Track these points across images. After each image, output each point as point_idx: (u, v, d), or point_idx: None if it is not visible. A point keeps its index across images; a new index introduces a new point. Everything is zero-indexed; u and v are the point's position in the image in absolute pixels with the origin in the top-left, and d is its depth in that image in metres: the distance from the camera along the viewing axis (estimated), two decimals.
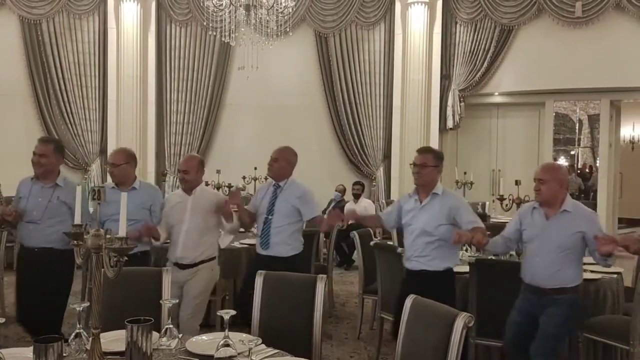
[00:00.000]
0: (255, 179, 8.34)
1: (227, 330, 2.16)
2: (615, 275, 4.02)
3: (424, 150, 3.68)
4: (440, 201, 3.50)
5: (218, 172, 7.70)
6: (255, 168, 8.30)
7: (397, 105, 9.34)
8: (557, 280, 3.19)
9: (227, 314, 2.15)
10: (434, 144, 9.28)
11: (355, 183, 8.65)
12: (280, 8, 6.79)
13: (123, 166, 3.79)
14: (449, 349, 2.20)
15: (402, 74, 9.24)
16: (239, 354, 2.20)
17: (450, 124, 9.22)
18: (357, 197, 8.33)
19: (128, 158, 3.85)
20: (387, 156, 9.54)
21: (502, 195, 5.39)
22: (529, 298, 3.30)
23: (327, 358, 4.36)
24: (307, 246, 5.05)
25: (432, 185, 3.52)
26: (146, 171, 9.38)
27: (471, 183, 8.19)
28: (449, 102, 9.20)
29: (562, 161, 17.93)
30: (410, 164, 3.68)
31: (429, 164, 3.51)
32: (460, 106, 9.16)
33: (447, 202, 3.49)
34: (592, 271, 4.07)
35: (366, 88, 9.43)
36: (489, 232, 3.47)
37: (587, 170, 15.69)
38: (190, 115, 9.57)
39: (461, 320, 2.21)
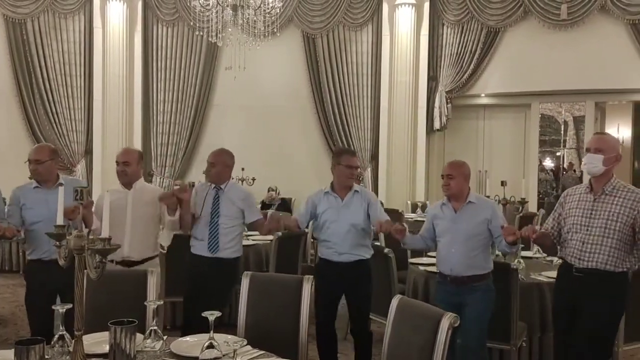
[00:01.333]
0: (242, 180, 8.32)
1: (212, 331, 2.15)
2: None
3: (354, 153, 4.07)
4: (359, 196, 3.73)
5: (204, 172, 7.64)
6: (243, 169, 8.28)
7: (384, 106, 9.36)
8: (474, 267, 3.38)
9: (212, 315, 2.14)
10: (421, 144, 9.33)
11: None
12: (268, 8, 6.78)
13: (47, 163, 3.56)
14: (434, 349, 2.20)
15: (389, 75, 9.26)
16: (223, 355, 2.19)
17: (437, 125, 9.25)
18: None
19: (52, 154, 3.63)
20: (374, 157, 9.55)
21: (488, 196, 5.41)
22: (448, 290, 3.44)
23: (314, 358, 4.35)
24: (293, 247, 5.09)
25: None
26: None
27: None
28: (436, 104, 9.23)
29: (548, 162, 18.10)
30: (351, 166, 3.80)
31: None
32: (447, 107, 9.20)
33: (364, 197, 3.74)
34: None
35: (354, 89, 9.44)
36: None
37: (568, 170, 15.84)
38: (177, 116, 9.52)
39: (447, 321, 2.22)
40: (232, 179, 4.13)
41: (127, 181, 3.75)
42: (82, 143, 9.37)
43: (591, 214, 3.06)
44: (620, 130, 14.60)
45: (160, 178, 9.49)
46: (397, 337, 2.44)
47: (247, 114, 9.61)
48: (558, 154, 18.32)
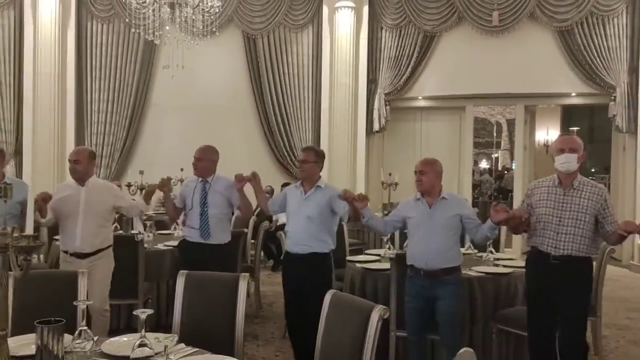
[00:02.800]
0: (181, 180, 8.18)
1: (143, 330, 2.12)
2: (525, 270, 4.26)
3: (306, 149, 4.15)
4: (322, 192, 3.88)
5: (141, 172, 7.51)
6: (182, 169, 8.14)
7: (325, 107, 9.44)
8: (447, 260, 3.52)
9: (143, 313, 2.11)
10: (361, 145, 9.47)
11: (284, 184, 8.65)
12: (207, 7, 6.72)
13: None
14: (365, 341, 2.26)
15: (330, 77, 9.36)
16: (156, 353, 2.17)
17: (376, 126, 9.42)
18: None
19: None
20: None
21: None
22: (421, 284, 3.55)
23: (254, 357, 4.37)
24: (233, 247, 5.06)
25: (315, 178, 3.91)
26: (65, 172, 9.01)
27: (396, 184, 8.40)
28: (375, 106, 9.39)
29: (483, 164, 18.77)
30: (299, 161, 4.06)
31: (309, 160, 3.91)
32: (386, 109, 9.38)
33: (327, 193, 3.87)
34: (504, 266, 4.30)
35: (295, 90, 9.48)
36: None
37: (501, 171, 16.50)
38: (113, 115, 9.28)
39: (377, 313, 2.28)
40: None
41: (77, 177, 3.95)
42: (12, 143, 8.98)
43: (562, 206, 3.35)
44: (549, 133, 15.34)
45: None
46: (330, 331, 2.48)
47: (186, 114, 9.47)
48: (493, 155, 19.04)
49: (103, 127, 9.27)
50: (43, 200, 3.74)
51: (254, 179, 4.16)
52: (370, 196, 9.17)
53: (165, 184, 4.37)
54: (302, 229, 3.86)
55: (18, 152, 8.95)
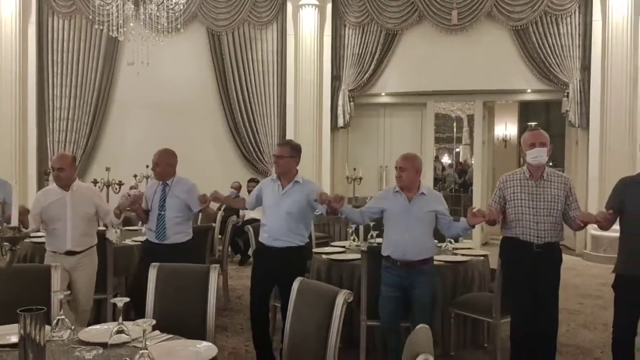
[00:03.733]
0: (147, 177, 8.19)
1: (120, 317, 2.23)
2: (482, 258, 4.50)
3: (282, 143, 4.24)
4: (300, 187, 3.90)
5: (107, 169, 7.52)
6: (147, 166, 8.14)
7: (290, 104, 9.57)
8: (424, 252, 3.70)
9: (120, 301, 2.21)
10: (326, 141, 9.64)
11: (251, 180, 8.77)
12: (171, 4, 6.75)
13: None
14: (331, 324, 2.41)
15: (294, 74, 9.49)
16: (133, 339, 2.28)
17: (341, 122, 9.60)
18: None
19: None
20: None
21: None
22: (398, 274, 3.68)
23: (223, 348, 4.47)
24: (201, 242, 5.16)
25: (292, 173, 3.91)
26: (27, 170, 8.92)
27: (360, 178, 8.61)
28: (340, 102, 9.56)
29: (445, 159, 19.19)
30: (274, 155, 4.12)
31: (285, 155, 3.91)
32: (350, 105, 9.56)
33: (306, 188, 3.90)
34: (462, 254, 4.53)
35: (260, 87, 9.57)
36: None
37: (464, 165, 16.91)
38: (75, 111, 9.22)
39: (341, 297, 2.43)
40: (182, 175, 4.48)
41: (62, 184, 4.05)
42: None
43: (536, 197, 3.58)
44: (507, 128, 15.81)
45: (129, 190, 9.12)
46: (298, 316, 2.62)
47: (151, 111, 9.46)
48: (456, 150, 19.47)
49: (65, 124, 9.19)
50: (21, 215, 3.64)
51: (217, 199, 4.23)
52: (336, 190, 9.38)
53: (136, 200, 4.26)
54: (281, 225, 3.86)
55: None
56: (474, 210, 3.58)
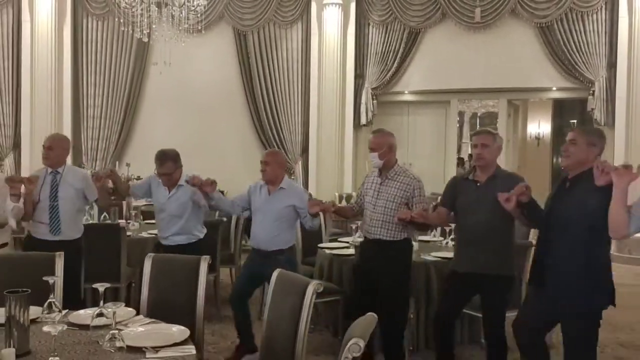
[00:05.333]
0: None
1: (102, 301, 2.41)
2: None
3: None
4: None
5: (128, 165, 7.86)
6: None
7: (314, 102, 9.71)
8: (277, 243, 3.95)
9: (102, 286, 2.41)
10: (349, 139, 9.75)
11: None
12: (193, 6, 6.99)
13: None
14: (302, 310, 2.55)
15: (318, 73, 9.62)
16: (117, 323, 2.47)
17: (363, 120, 9.69)
18: None
19: None
20: (305, 150, 9.90)
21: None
22: (256, 261, 4.00)
23: (227, 337, 4.66)
24: (210, 235, 5.35)
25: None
26: None
27: None
28: (363, 100, 9.65)
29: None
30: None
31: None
32: (373, 104, 9.64)
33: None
34: None
35: (284, 85, 9.75)
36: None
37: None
38: (108, 109, 9.60)
39: (312, 287, 2.57)
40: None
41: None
42: (10, 136, 9.33)
43: (378, 194, 3.78)
44: (540, 126, 15.54)
45: (91, 171, 9.53)
46: (275, 303, 2.79)
47: (179, 109, 9.77)
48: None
49: (98, 121, 9.59)
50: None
51: (112, 174, 4.21)
52: (358, 186, 9.47)
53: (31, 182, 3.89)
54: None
55: (16, 146, 9.28)
56: (309, 201, 3.89)
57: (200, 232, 4.40)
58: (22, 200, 3.79)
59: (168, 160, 4.16)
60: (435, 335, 3.70)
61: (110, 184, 4.24)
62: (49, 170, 4.00)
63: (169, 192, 4.25)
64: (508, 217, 3.26)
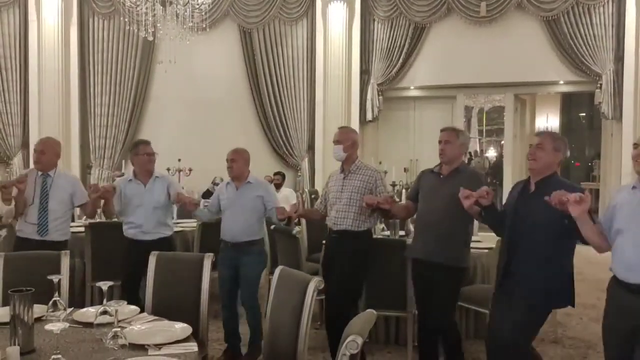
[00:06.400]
0: (179, 170, 8.54)
1: (105, 299, 2.43)
2: (486, 251, 4.52)
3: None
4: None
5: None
6: (179, 160, 8.51)
7: (319, 98, 9.72)
8: (248, 234, 4.11)
9: (105, 284, 2.43)
10: None
11: (276, 173, 8.94)
12: (198, 4, 7.00)
13: None
14: (303, 307, 2.56)
15: (323, 69, 9.62)
16: (119, 321, 2.49)
17: (369, 116, 9.68)
18: (277, 187, 8.64)
19: None
20: (311, 147, 9.91)
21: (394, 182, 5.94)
22: (229, 254, 4.14)
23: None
24: (213, 234, 5.37)
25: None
26: (70, 164, 9.40)
27: (385, 172, 8.63)
28: (369, 96, 9.65)
29: (491, 152, 18.83)
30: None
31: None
32: (379, 99, 9.63)
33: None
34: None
35: (290, 82, 9.76)
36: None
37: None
38: (115, 108, 9.65)
39: (313, 284, 2.58)
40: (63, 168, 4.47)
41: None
42: (19, 136, 9.40)
43: (342, 188, 3.86)
44: (549, 120, 15.44)
45: (99, 170, 9.61)
46: (278, 299, 2.80)
47: (185, 107, 9.79)
48: (502, 142, 19.03)
49: (105, 120, 9.64)
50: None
51: (111, 191, 4.10)
52: None
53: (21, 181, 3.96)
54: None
55: (25, 145, 9.35)
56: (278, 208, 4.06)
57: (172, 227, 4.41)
58: (13, 203, 3.95)
59: (149, 143, 4.31)
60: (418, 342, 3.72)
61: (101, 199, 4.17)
62: (40, 173, 4.07)
63: (145, 186, 4.22)
64: (462, 212, 3.25)
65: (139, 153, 4.20)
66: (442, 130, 3.61)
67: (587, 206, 2.58)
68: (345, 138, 3.85)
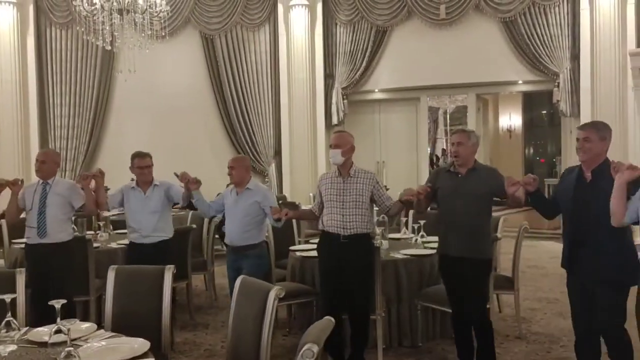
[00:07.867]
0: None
1: (58, 318, 2.37)
2: None
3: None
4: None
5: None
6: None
7: (284, 103, 9.72)
8: (247, 239, 4.29)
9: (57, 303, 2.37)
10: (321, 139, 9.76)
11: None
12: (156, 12, 6.92)
13: None
14: (265, 315, 2.55)
15: (287, 74, 9.63)
16: (74, 339, 2.43)
17: (335, 120, 9.72)
18: None
19: None
20: (278, 152, 9.89)
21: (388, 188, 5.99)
22: (232, 257, 4.36)
23: (201, 344, 4.64)
24: (181, 243, 5.32)
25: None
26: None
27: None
28: (333, 100, 9.70)
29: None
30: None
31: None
32: (343, 103, 9.69)
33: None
34: (431, 248, 4.61)
35: (254, 87, 9.74)
36: None
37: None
38: (75, 119, 9.46)
39: (273, 292, 2.57)
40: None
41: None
42: None
43: (343, 192, 3.93)
44: (512, 119, 15.76)
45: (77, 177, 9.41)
46: (239, 309, 2.78)
47: (149, 116, 9.66)
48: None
49: (66, 131, 9.44)
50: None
51: (99, 175, 4.43)
52: None
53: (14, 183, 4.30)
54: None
55: None
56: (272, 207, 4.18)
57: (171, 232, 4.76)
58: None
59: (147, 155, 4.72)
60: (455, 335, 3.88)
61: (92, 185, 4.48)
62: (40, 181, 4.41)
63: (145, 194, 4.65)
64: (485, 207, 3.62)
65: (133, 166, 4.68)
66: (452, 133, 3.80)
67: (635, 175, 2.82)
68: (344, 142, 3.93)
